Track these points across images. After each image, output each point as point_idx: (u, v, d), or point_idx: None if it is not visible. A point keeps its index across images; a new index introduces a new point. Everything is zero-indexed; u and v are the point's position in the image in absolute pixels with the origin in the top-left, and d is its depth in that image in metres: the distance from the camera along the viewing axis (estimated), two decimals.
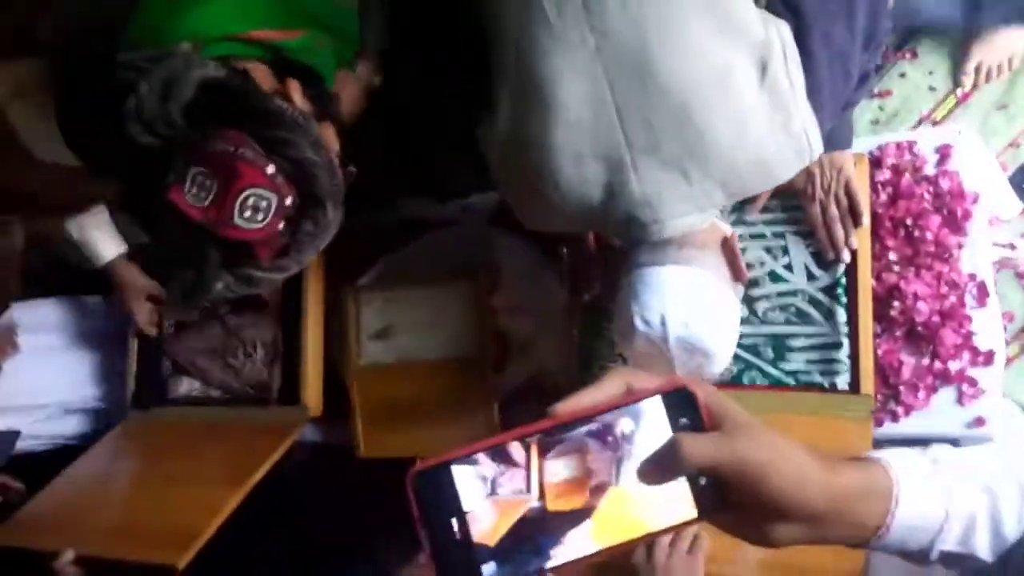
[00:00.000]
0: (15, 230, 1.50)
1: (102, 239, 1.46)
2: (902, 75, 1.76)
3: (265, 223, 0.79)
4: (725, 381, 1.17)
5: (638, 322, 0.97)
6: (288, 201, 0.81)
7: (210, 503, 1.32)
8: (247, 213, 0.78)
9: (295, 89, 0.88)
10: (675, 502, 0.44)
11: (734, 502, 0.43)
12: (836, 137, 1.10)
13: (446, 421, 1.38)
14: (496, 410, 1.34)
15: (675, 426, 0.45)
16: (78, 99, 0.93)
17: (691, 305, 0.96)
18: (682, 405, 0.45)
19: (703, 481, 0.44)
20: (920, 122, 1.72)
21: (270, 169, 0.79)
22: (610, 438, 0.45)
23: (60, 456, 1.61)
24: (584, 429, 0.45)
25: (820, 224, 1.13)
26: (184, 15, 0.85)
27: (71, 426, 1.72)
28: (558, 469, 0.44)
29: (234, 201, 0.77)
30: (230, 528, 1.32)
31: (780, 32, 0.81)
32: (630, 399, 0.45)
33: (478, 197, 1.53)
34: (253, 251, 0.82)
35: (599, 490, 0.44)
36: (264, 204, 0.79)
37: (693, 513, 0.44)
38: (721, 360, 1.01)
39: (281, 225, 0.81)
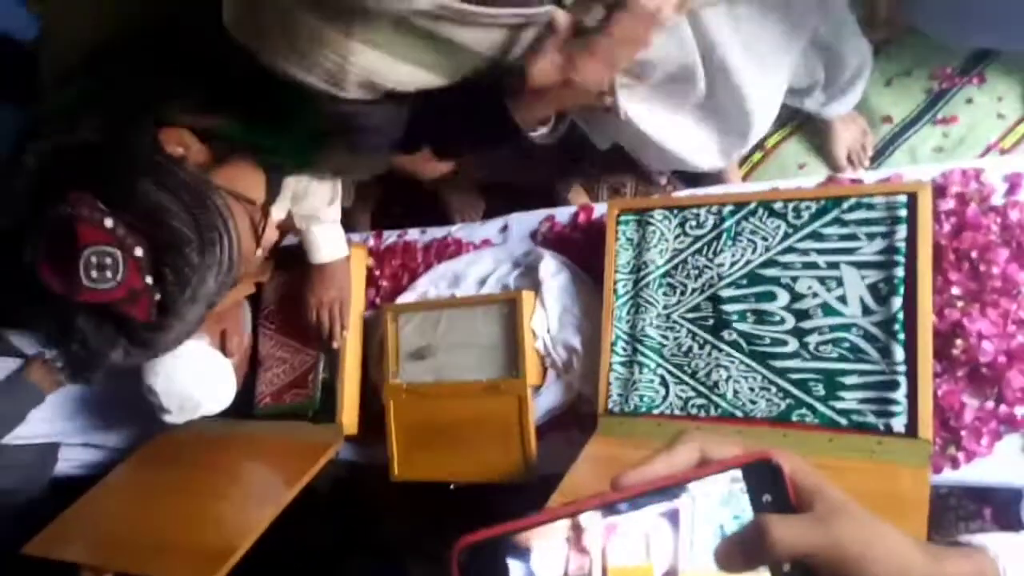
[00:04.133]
0: None
1: None
2: (968, 101, 1.69)
3: (118, 281, 0.76)
4: (772, 417, 1.11)
5: None
6: (138, 252, 0.77)
7: (243, 521, 1.31)
8: (94, 273, 0.75)
9: (180, 137, 0.86)
10: None
11: None
12: None
13: (482, 445, 1.36)
14: (534, 435, 1.31)
15: (757, 504, 0.39)
16: None
17: None
18: (766, 479, 0.40)
19: (787, 567, 0.38)
20: (987, 151, 1.65)
21: (108, 223, 0.76)
22: (682, 516, 0.40)
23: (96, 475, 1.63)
24: (652, 505, 0.40)
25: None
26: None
27: (109, 439, 1.75)
28: (623, 551, 0.40)
29: (78, 263, 0.75)
30: (263, 543, 1.30)
31: None
32: (706, 471, 0.40)
33: (517, 216, 1.51)
34: (122, 312, 0.78)
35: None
36: (109, 261, 0.76)
37: None
38: None
39: (146, 280, 0.78)
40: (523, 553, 0.39)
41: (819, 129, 1.79)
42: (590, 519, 0.40)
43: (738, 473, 0.40)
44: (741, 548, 0.39)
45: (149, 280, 0.77)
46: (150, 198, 0.77)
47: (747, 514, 0.39)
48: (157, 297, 0.79)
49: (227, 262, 0.83)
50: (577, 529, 0.40)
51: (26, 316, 0.83)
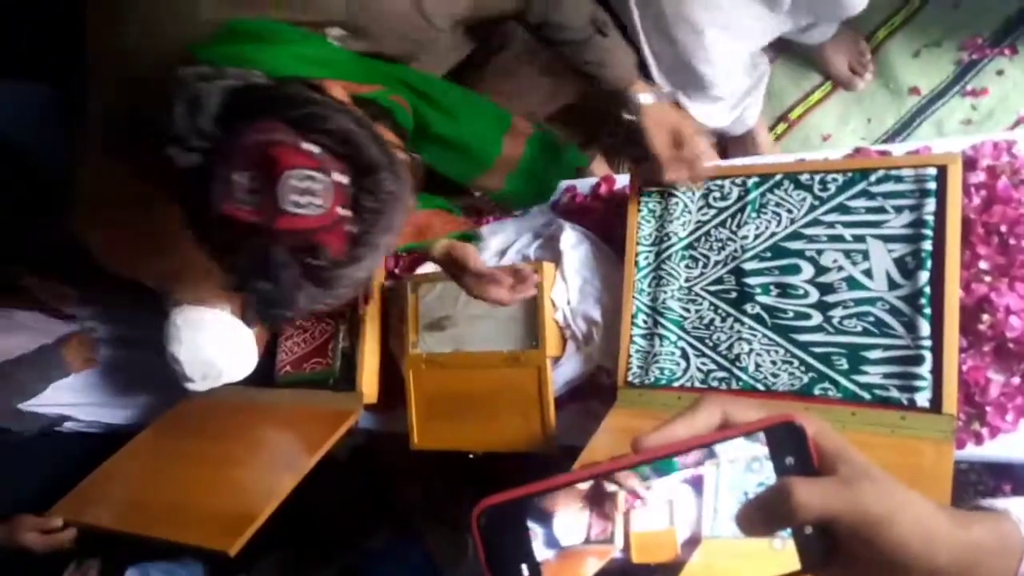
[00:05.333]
0: None
1: None
2: (999, 72, 1.66)
3: (323, 207, 0.73)
4: (794, 391, 1.11)
5: None
6: (341, 178, 0.75)
7: (264, 488, 1.32)
8: (297, 197, 0.73)
9: (336, 87, 0.85)
10: (775, 553, 0.39)
11: (843, 554, 0.38)
12: None
13: (501, 416, 1.36)
14: (552, 406, 1.31)
15: (780, 466, 0.39)
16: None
17: None
18: (788, 442, 0.39)
19: (808, 530, 0.38)
20: (1017, 123, 1.62)
21: (307, 146, 0.74)
22: (705, 481, 0.39)
23: (119, 438, 1.65)
24: (676, 469, 0.39)
25: None
26: (260, 49, 0.82)
27: (121, 416, 1.78)
28: (646, 516, 0.39)
29: (280, 188, 0.72)
30: (283, 511, 1.32)
31: None
32: (728, 433, 0.40)
33: None
34: (319, 242, 0.76)
35: (691, 542, 0.39)
36: (313, 185, 0.73)
37: (795, 565, 0.39)
38: None
39: (344, 211, 0.75)
40: (544, 517, 0.39)
41: (813, 58, 1.78)
42: (613, 484, 0.39)
43: (761, 436, 0.39)
44: (764, 511, 0.38)
45: (346, 213, 0.75)
46: (342, 124, 0.76)
47: (771, 481, 0.39)
48: (354, 228, 0.77)
49: (408, 195, 0.82)
50: (600, 494, 0.39)
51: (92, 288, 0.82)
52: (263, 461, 1.44)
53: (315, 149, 0.74)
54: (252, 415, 1.56)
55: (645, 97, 1.17)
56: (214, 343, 1.48)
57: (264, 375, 1.61)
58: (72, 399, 1.69)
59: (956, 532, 0.38)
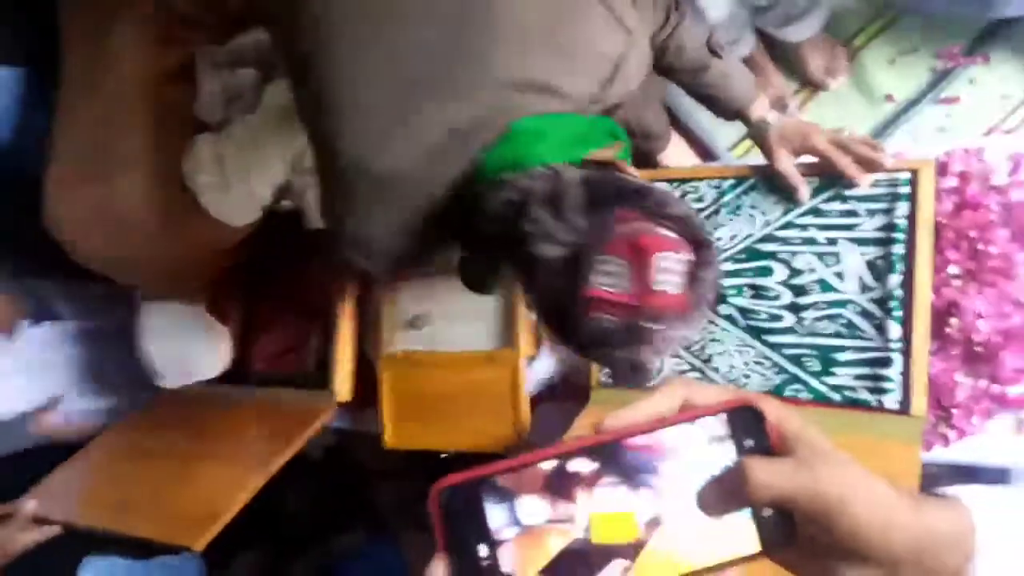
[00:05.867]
0: None
1: None
2: (971, 81, 1.68)
3: (681, 284, 0.79)
4: (765, 391, 1.12)
5: None
6: (691, 257, 0.80)
7: (233, 484, 1.31)
8: (662, 276, 0.78)
9: (623, 164, 0.92)
10: (734, 534, 0.39)
11: (802, 537, 0.38)
12: None
13: (475, 415, 1.36)
14: (527, 406, 1.31)
15: (740, 448, 0.40)
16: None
17: None
18: (748, 424, 0.40)
19: (768, 512, 0.39)
20: (990, 132, 1.64)
21: (665, 232, 0.79)
22: (664, 461, 0.40)
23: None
24: (636, 450, 0.40)
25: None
26: (533, 147, 0.88)
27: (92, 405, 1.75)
28: (606, 496, 0.39)
29: (649, 271, 0.77)
30: (258, 509, 1.30)
31: None
32: (689, 415, 0.40)
33: None
34: (674, 314, 0.81)
35: (652, 523, 0.39)
36: (677, 266, 0.79)
37: (755, 547, 0.39)
38: None
39: (691, 284, 0.81)
40: (505, 497, 0.39)
41: (788, 56, 1.78)
42: (574, 465, 0.39)
43: (723, 418, 0.40)
44: (722, 490, 0.39)
45: (692, 283, 0.81)
46: (680, 209, 0.81)
47: (730, 459, 0.40)
48: (696, 297, 0.82)
49: None
50: (561, 474, 0.39)
51: None
52: (233, 458, 1.42)
53: (670, 234, 0.79)
54: (224, 412, 1.54)
55: (773, 116, 1.15)
56: (187, 339, 1.47)
57: (238, 372, 1.59)
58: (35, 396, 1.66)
59: (912, 514, 0.39)
